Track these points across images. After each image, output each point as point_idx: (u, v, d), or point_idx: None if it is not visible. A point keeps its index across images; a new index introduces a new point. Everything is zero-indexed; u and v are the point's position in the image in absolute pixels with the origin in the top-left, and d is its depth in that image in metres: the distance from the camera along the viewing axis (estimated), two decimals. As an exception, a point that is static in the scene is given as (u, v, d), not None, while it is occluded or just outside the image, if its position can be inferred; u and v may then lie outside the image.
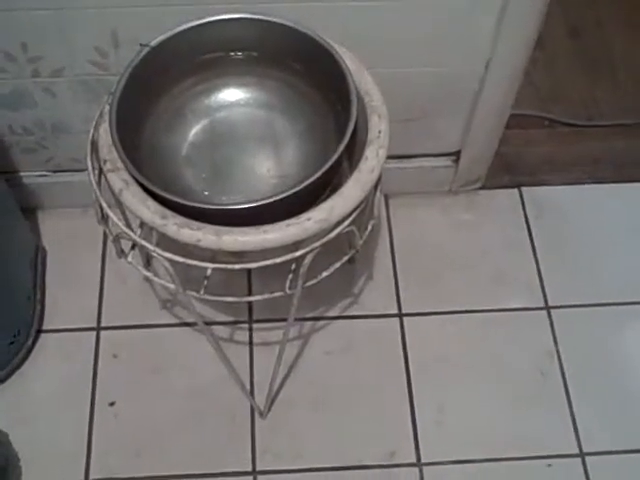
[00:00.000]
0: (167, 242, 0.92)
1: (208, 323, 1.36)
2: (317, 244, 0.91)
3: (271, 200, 0.86)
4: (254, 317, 1.37)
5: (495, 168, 1.49)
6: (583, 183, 1.54)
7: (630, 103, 1.65)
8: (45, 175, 1.40)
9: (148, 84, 0.98)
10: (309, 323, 1.37)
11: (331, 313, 1.38)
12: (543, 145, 1.58)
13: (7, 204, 1.29)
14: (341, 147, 0.88)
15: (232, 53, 1.03)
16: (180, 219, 0.88)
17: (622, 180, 1.54)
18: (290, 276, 0.98)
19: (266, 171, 1.02)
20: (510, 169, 1.54)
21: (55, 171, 1.39)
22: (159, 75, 0.99)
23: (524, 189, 1.53)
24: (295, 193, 0.87)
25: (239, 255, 0.93)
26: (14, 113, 1.24)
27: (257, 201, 0.86)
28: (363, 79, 0.99)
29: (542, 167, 1.55)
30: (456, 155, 1.43)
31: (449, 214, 1.50)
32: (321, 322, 1.37)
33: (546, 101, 1.63)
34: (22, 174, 1.39)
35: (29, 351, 1.33)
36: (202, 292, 0.98)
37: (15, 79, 1.17)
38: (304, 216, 0.88)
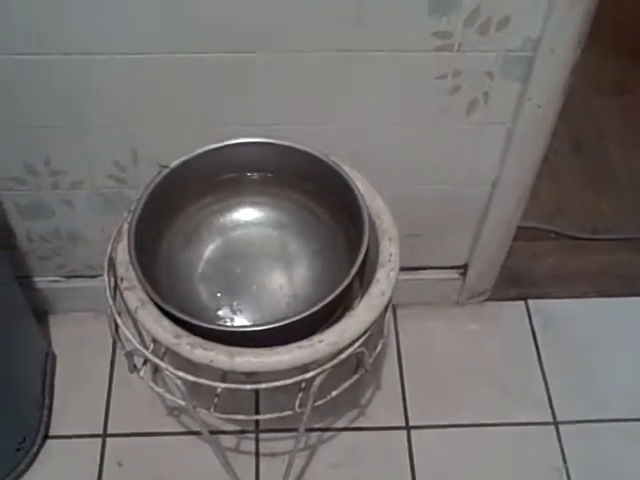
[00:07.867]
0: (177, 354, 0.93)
1: (214, 432, 1.35)
2: (328, 366, 0.92)
3: (282, 323, 0.87)
4: (260, 427, 1.37)
5: (502, 280, 1.50)
6: (589, 296, 1.55)
7: (634, 216, 1.67)
8: (58, 280, 1.42)
9: (166, 203, 1.01)
10: (315, 434, 1.36)
11: (338, 424, 1.37)
12: (549, 258, 1.60)
13: (20, 308, 1.30)
14: (352, 272, 0.90)
15: (248, 174, 1.06)
16: (193, 339, 0.89)
17: (628, 294, 1.55)
18: (300, 395, 0.99)
19: (279, 289, 1.04)
20: (516, 281, 1.55)
21: (68, 277, 1.41)
22: (177, 194, 1.03)
23: (530, 301, 1.54)
24: (306, 315, 0.88)
25: (250, 373, 0.94)
26: (32, 222, 1.27)
27: (269, 324, 0.88)
28: (375, 202, 1.01)
29: (548, 280, 1.56)
30: (463, 268, 1.45)
31: (456, 325, 1.51)
32: (328, 433, 1.36)
33: (552, 214, 1.66)
34: (36, 279, 1.41)
35: (34, 457, 1.32)
36: (212, 409, 0.99)
37: (35, 191, 1.21)
38: (316, 338, 0.90)
